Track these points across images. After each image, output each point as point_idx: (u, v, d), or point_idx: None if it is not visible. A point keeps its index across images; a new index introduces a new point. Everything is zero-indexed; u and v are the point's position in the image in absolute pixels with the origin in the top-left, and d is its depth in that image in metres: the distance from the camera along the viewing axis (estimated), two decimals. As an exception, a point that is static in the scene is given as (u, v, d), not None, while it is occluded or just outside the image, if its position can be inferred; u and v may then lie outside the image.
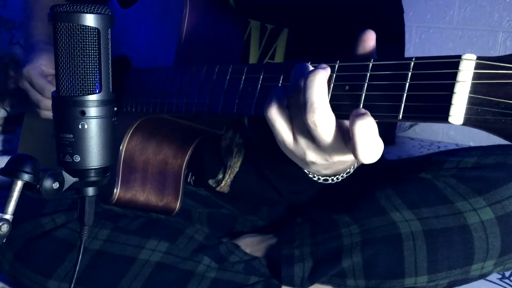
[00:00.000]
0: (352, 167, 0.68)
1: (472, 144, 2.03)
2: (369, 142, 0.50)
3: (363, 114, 0.50)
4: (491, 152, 0.89)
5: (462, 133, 2.16)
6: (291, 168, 0.70)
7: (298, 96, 0.55)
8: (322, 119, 0.53)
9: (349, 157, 0.57)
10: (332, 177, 0.69)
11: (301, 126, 0.56)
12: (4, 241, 0.54)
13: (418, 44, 2.25)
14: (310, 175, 0.68)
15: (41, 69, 0.97)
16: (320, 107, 0.52)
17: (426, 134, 2.25)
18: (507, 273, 1.09)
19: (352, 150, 0.51)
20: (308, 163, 0.60)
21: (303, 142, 0.57)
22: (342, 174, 0.68)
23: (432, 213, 0.83)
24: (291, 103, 0.57)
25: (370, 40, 0.57)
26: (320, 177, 0.68)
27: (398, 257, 0.83)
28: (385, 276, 0.84)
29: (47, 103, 0.96)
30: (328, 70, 0.54)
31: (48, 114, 0.98)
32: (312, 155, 0.58)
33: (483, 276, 0.88)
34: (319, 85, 0.53)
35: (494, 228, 0.80)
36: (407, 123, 2.19)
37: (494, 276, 1.06)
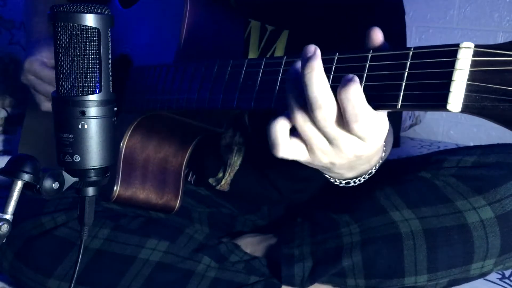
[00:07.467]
0: (374, 167, 0.67)
1: (472, 144, 2.03)
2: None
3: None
4: (491, 151, 0.89)
5: (462, 133, 2.16)
6: (290, 166, 0.70)
7: (302, 106, 0.54)
8: (329, 109, 0.52)
9: (364, 149, 0.56)
10: (354, 179, 0.68)
11: (311, 134, 0.55)
12: (4, 241, 0.54)
13: (418, 44, 2.24)
14: (331, 180, 0.67)
15: (44, 61, 0.96)
16: (324, 99, 0.52)
17: (426, 134, 2.25)
18: (507, 273, 1.09)
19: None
20: (329, 168, 0.59)
21: (318, 150, 0.57)
22: (364, 176, 0.67)
23: (432, 212, 0.83)
24: (296, 118, 0.55)
25: (379, 36, 0.56)
26: (342, 180, 0.67)
27: (398, 256, 0.83)
28: (385, 275, 0.84)
29: None
30: (318, 55, 0.53)
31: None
32: (329, 157, 0.57)
33: (483, 275, 0.88)
34: (319, 76, 0.52)
35: (494, 227, 0.80)
36: (407, 123, 2.19)
37: (494, 276, 1.06)
